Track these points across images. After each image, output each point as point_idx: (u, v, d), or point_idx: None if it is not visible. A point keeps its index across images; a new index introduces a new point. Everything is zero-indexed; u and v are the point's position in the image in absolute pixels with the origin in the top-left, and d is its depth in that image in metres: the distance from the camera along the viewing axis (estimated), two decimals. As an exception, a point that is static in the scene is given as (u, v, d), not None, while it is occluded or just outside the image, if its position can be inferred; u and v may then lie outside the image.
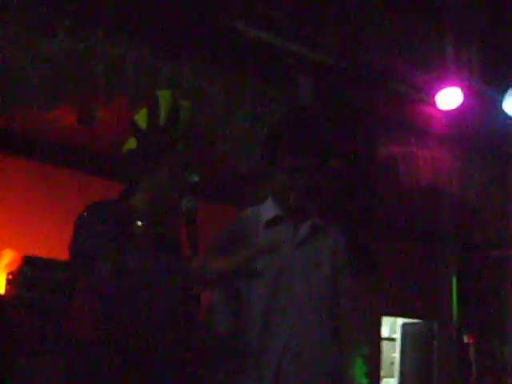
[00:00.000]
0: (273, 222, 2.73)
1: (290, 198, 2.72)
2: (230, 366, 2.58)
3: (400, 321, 8.69)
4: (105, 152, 5.89)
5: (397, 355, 8.72)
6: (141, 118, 2.51)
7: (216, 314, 2.65)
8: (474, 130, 6.35)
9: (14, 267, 5.40)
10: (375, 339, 8.01)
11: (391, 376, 8.89)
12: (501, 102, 6.22)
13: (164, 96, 2.54)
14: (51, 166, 5.98)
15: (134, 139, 2.50)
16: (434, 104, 6.05)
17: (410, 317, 8.41)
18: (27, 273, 5.21)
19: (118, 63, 4.72)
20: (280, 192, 2.75)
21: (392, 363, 8.91)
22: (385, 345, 8.53)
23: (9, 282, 5.37)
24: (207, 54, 4.91)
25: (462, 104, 6.02)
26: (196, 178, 2.48)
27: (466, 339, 7.84)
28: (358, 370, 7.84)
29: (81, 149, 5.92)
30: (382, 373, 8.37)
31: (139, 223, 2.40)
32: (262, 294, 2.61)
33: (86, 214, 2.39)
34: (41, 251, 5.33)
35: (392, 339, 9.04)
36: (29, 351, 4.82)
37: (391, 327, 9.29)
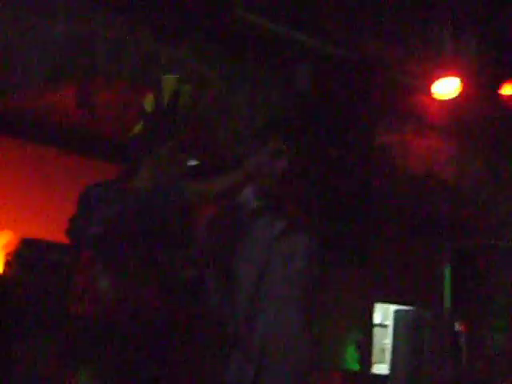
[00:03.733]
0: (252, 215, 2.77)
1: (269, 181, 2.76)
2: (218, 346, 2.66)
3: (393, 308, 8.74)
4: (104, 135, 5.91)
5: (388, 341, 8.78)
6: (148, 102, 2.56)
7: (207, 292, 2.71)
8: (470, 119, 6.38)
9: (12, 249, 5.42)
10: (367, 325, 8.08)
11: (382, 362, 8.96)
12: (498, 90, 6.25)
13: (168, 80, 2.58)
14: (50, 149, 5.99)
15: (141, 123, 2.56)
16: (431, 93, 6.07)
17: (402, 304, 8.46)
18: (25, 254, 5.23)
19: (117, 46, 4.73)
20: (260, 177, 2.78)
21: (383, 349, 8.98)
22: (377, 331, 8.59)
23: (7, 264, 5.39)
24: (207, 38, 4.92)
25: (460, 93, 6.04)
26: (195, 162, 2.52)
27: (457, 327, 7.89)
28: (350, 355, 7.91)
29: (80, 131, 5.93)
30: (374, 359, 8.44)
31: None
32: (248, 284, 2.68)
33: (89, 190, 2.44)
34: (39, 233, 5.36)
35: (384, 325, 9.10)
36: (26, 333, 4.85)
37: (384, 314, 9.35)
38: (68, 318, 2.41)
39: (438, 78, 6.03)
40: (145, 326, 2.35)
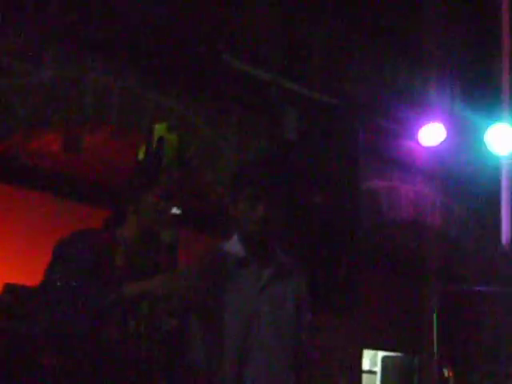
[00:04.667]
0: (239, 264, 2.75)
1: (249, 228, 2.74)
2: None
3: (381, 354, 8.67)
4: (91, 179, 5.91)
5: (377, 388, 8.69)
6: (141, 150, 2.56)
7: (192, 343, 2.67)
8: (455, 165, 6.44)
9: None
10: (356, 372, 7.99)
11: (372, 409, 8.85)
12: (482, 137, 6.32)
13: (157, 128, 2.59)
14: (35, 193, 5.96)
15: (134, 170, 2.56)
16: (417, 139, 6.13)
17: (390, 350, 8.40)
18: (7, 300, 5.17)
19: (104, 92, 4.76)
20: (241, 223, 2.77)
21: (373, 396, 8.88)
22: (365, 378, 8.50)
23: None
24: (193, 84, 4.96)
25: (445, 140, 6.11)
26: (178, 211, 2.50)
27: (446, 373, 7.83)
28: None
29: (67, 176, 5.91)
30: (363, 406, 8.33)
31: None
32: (235, 335, 2.66)
33: (65, 242, 2.40)
34: (22, 279, 5.29)
35: (373, 372, 9.01)
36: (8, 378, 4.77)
37: (372, 360, 9.27)
38: (41, 368, 2.38)
39: (423, 124, 6.10)
40: (126, 378, 2.31)
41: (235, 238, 2.83)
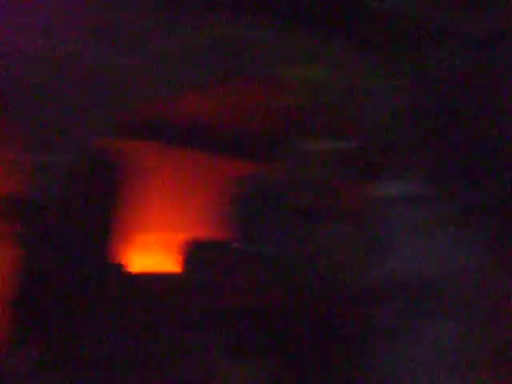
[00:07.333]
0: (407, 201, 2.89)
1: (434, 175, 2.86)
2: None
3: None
4: (237, 133, 6.08)
5: None
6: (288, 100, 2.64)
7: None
8: None
9: (183, 249, 5.74)
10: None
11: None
12: None
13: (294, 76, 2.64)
14: (198, 152, 6.24)
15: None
16: None
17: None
18: (196, 254, 5.51)
19: (259, 47, 4.92)
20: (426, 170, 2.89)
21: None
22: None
23: (180, 264, 5.70)
24: (336, 28, 4.94)
25: None
26: (342, 145, 2.58)
27: None
28: None
29: (215, 132, 6.14)
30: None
31: None
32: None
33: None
34: (199, 233, 5.62)
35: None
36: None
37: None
38: (232, 312, 2.55)
39: None
40: (307, 312, 2.44)
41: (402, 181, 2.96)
